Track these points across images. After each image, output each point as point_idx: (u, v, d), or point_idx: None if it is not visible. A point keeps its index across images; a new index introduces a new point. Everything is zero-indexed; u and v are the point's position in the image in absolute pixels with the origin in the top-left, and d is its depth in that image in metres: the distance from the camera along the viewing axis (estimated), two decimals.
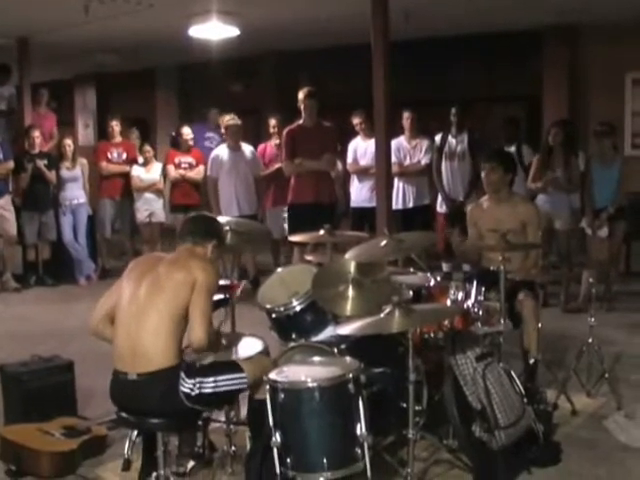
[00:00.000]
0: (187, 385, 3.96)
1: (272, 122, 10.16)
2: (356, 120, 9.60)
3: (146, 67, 14.78)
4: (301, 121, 8.80)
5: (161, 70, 15.53)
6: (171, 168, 10.60)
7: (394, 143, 8.95)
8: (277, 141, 9.84)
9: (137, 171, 10.95)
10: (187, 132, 10.74)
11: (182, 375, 3.97)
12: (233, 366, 4.23)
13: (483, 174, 6.13)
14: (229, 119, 9.84)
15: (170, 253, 4.33)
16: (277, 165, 9.56)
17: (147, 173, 10.91)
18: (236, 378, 4.14)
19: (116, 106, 15.21)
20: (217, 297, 4.81)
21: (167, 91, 15.79)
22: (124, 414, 4.08)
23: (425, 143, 9.42)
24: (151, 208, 10.90)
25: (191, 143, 10.69)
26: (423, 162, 9.39)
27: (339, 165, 9.66)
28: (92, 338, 4.29)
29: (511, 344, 5.50)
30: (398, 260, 6.26)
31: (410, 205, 9.41)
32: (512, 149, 8.97)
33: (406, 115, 9.43)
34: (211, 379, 4.03)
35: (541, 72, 11.40)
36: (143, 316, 4.00)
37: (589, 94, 11.09)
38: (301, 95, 8.72)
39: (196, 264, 4.11)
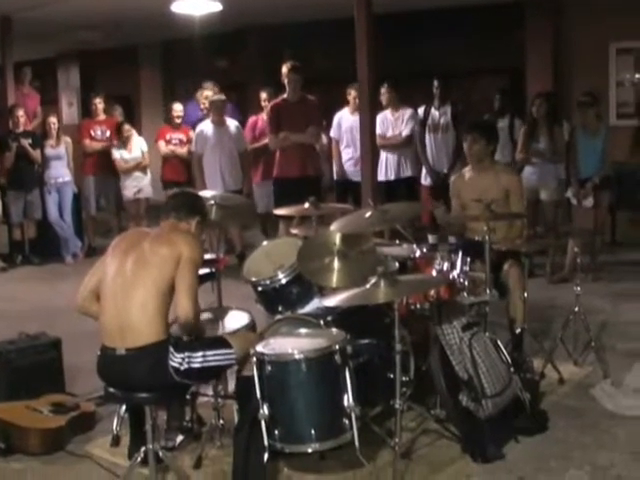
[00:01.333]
0: (176, 360, 3.96)
1: (263, 95, 10.04)
2: (353, 93, 9.21)
3: (129, 44, 14.69)
4: (285, 95, 8.77)
5: (144, 47, 15.42)
6: (162, 144, 10.52)
7: (379, 116, 8.93)
8: None
9: (118, 153, 10.73)
10: (177, 108, 10.65)
11: (171, 349, 3.97)
12: (221, 341, 4.24)
13: (465, 145, 6.10)
14: (213, 95, 9.80)
15: (154, 228, 4.33)
16: (267, 139, 9.48)
17: (129, 153, 10.75)
18: (224, 354, 4.15)
19: (100, 84, 15.10)
20: (203, 271, 4.83)
21: (151, 68, 15.70)
22: (112, 389, 4.08)
23: (407, 113, 9.30)
24: (139, 185, 10.79)
25: (178, 121, 10.56)
26: (404, 134, 9.23)
27: (324, 138, 9.62)
28: (79, 315, 4.29)
29: (497, 314, 5.51)
30: (384, 232, 6.27)
31: (392, 177, 9.25)
32: (505, 121, 8.97)
33: (383, 90, 9.16)
34: (200, 354, 4.03)
35: (524, 44, 11.35)
36: (130, 292, 4.01)
37: (573, 65, 11.03)
38: (285, 69, 8.69)
39: (181, 238, 4.12)
